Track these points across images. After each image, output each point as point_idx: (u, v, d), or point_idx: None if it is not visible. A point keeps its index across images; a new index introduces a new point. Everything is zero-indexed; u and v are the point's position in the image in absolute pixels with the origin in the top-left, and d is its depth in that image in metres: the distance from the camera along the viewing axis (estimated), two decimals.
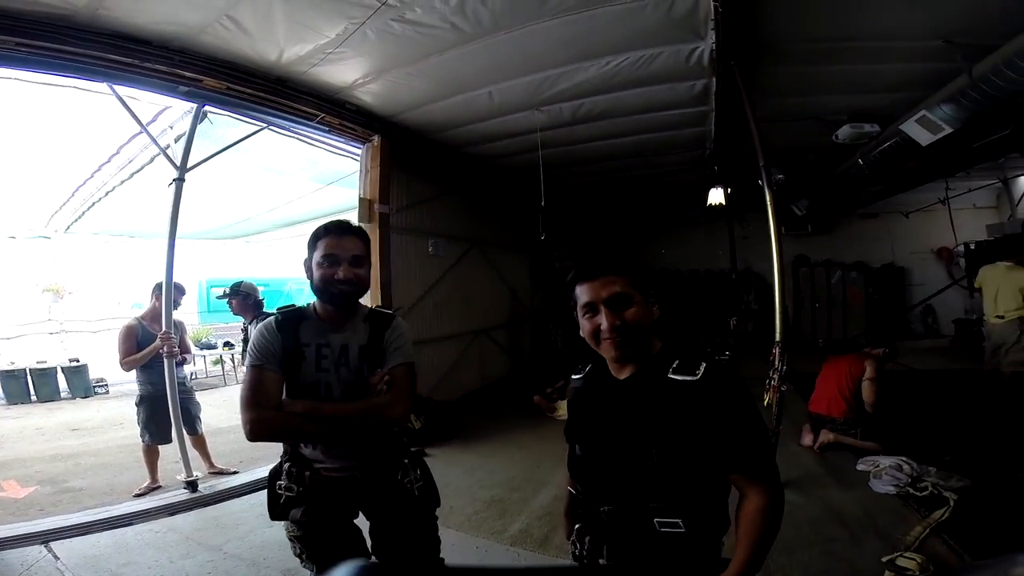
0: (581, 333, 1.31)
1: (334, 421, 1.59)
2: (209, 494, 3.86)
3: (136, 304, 11.01)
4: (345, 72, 3.87)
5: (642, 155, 6.25)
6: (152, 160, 5.52)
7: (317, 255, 1.66)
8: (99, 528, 3.23)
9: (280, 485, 1.68)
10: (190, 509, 3.63)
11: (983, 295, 5.23)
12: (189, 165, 4.00)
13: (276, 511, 1.69)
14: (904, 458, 3.59)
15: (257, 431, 1.57)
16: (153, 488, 4.11)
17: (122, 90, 3.67)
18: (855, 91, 4.50)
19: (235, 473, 4.45)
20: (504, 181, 7.18)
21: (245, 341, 4.31)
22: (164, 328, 4.00)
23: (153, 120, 4.46)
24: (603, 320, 1.24)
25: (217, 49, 3.43)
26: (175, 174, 3.95)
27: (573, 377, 1.47)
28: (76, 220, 9.00)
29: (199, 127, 4.03)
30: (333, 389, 1.66)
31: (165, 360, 3.97)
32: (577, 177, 7.08)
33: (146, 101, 4.09)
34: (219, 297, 4.25)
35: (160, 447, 4.22)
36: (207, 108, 4.02)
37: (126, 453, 5.14)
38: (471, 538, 3.06)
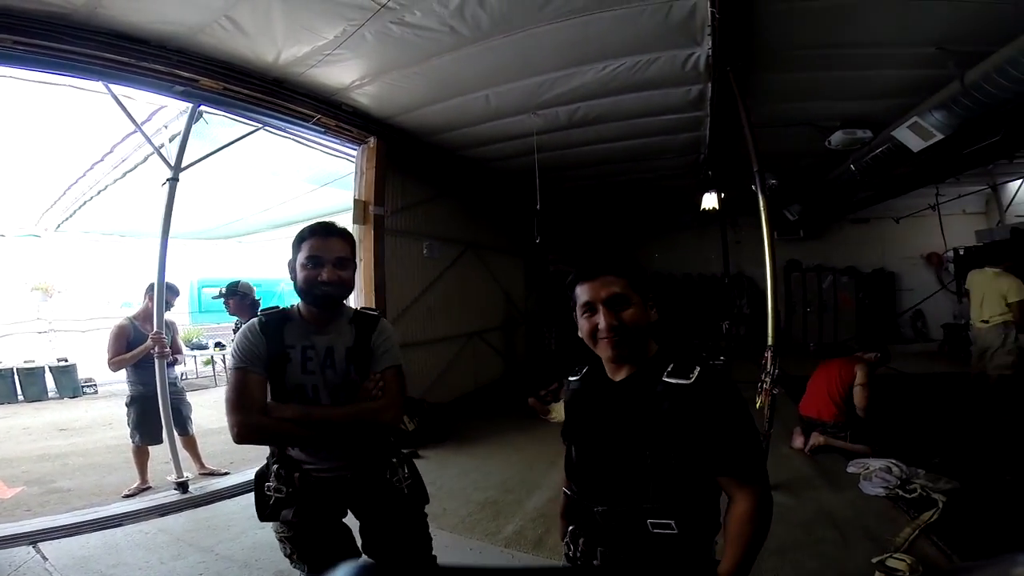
0: (579, 333, 1.33)
1: (326, 426, 1.59)
2: (200, 495, 3.83)
3: (125, 303, 10.91)
4: (342, 74, 3.87)
5: (637, 159, 6.28)
6: (146, 159, 5.48)
7: (301, 256, 1.65)
8: (88, 529, 3.20)
9: (269, 487, 1.66)
10: (181, 510, 3.60)
11: (971, 300, 5.31)
12: (183, 165, 3.98)
13: (265, 512, 1.68)
14: (893, 460, 3.64)
15: (245, 435, 1.56)
16: (143, 489, 4.07)
17: (117, 89, 3.65)
18: (848, 97, 4.54)
19: (226, 474, 4.42)
20: (499, 184, 7.18)
21: None
22: (156, 328, 3.97)
23: (148, 119, 4.44)
24: (601, 320, 1.25)
25: (215, 49, 3.42)
26: (169, 174, 3.92)
27: (570, 379, 1.48)
28: (67, 219, 8.93)
29: (194, 127, 4.01)
30: (320, 391, 1.65)
31: (156, 360, 3.94)
32: (572, 181, 7.10)
33: (141, 100, 4.08)
34: (215, 297, 4.22)
35: (150, 448, 4.17)
36: (203, 108, 4.01)
37: (115, 454, 5.09)
38: (465, 539, 3.07)
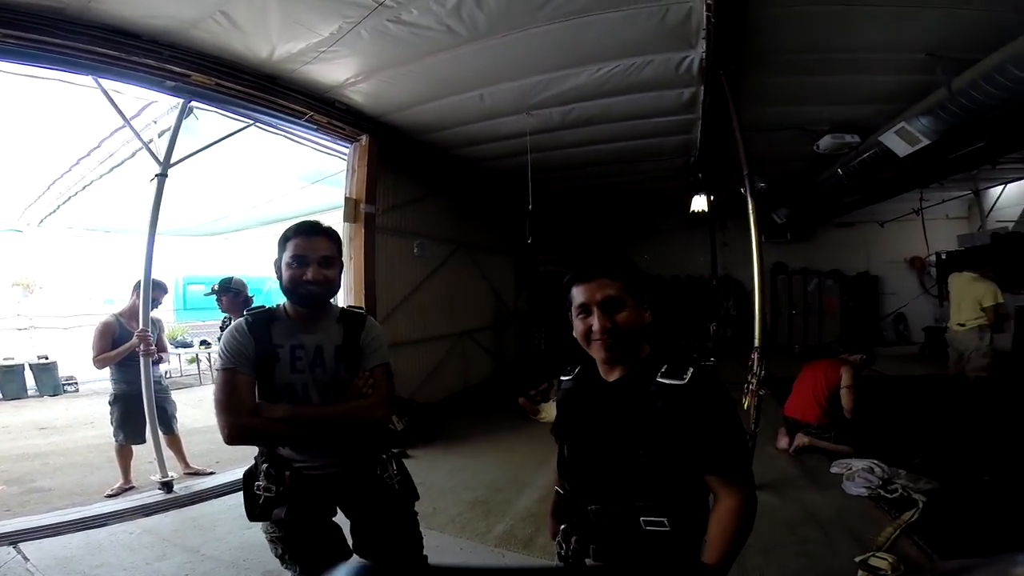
0: (574, 333, 1.34)
1: (316, 425, 1.59)
2: (185, 495, 3.78)
3: (108, 300, 10.74)
4: (336, 71, 3.85)
5: (628, 161, 6.32)
6: (134, 155, 5.40)
7: (286, 256, 1.65)
8: (70, 529, 3.15)
9: (258, 486, 1.65)
10: (166, 510, 3.56)
11: (950, 303, 5.44)
12: (173, 161, 3.93)
13: (255, 512, 1.67)
14: (875, 461, 3.70)
15: (236, 436, 1.55)
16: (126, 489, 4.01)
17: (107, 84, 3.59)
18: (838, 102, 4.61)
19: (211, 474, 4.37)
20: (491, 184, 7.19)
21: None
22: (141, 326, 3.91)
23: (137, 114, 4.37)
24: (595, 322, 1.26)
25: (208, 45, 3.38)
26: (158, 169, 3.87)
27: (563, 378, 1.49)
28: (51, 214, 8.76)
29: (183, 122, 3.96)
30: (309, 390, 1.65)
31: (141, 358, 3.88)
32: (563, 181, 7.13)
33: (131, 95, 4.01)
34: (207, 294, 4.15)
35: (133, 447, 4.11)
36: (193, 104, 3.96)
37: (96, 453, 5.01)
38: (455, 539, 3.07)
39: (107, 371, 4.12)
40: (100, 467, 4.59)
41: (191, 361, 10.43)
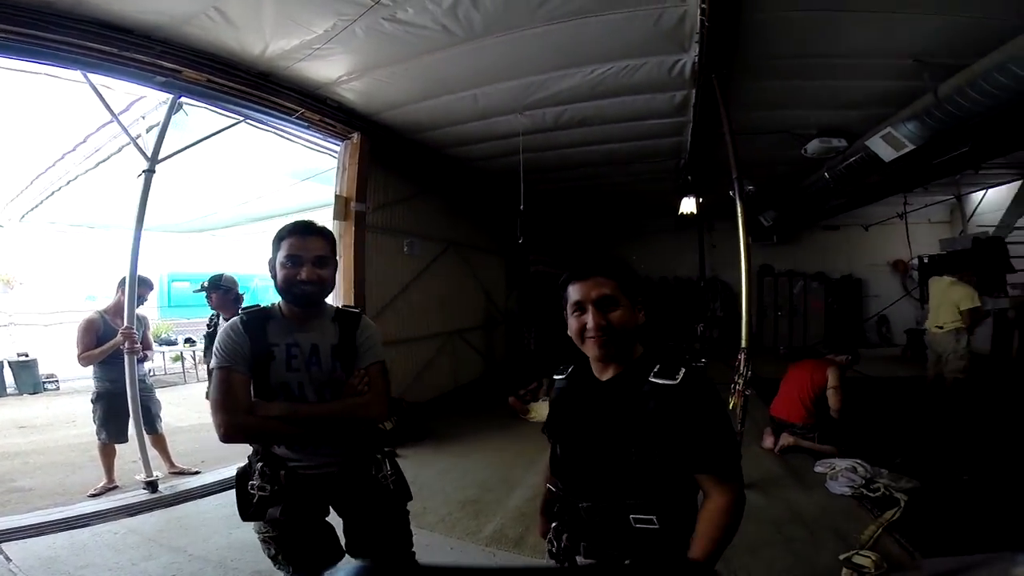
0: (568, 331, 1.35)
1: (313, 422, 1.60)
2: (170, 494, 3.74)
3: (90, 297, 10.56)
4: (329, 68, 3.83)
5: (619, 163, 6.36)
6: (120, 150, 5.32)
7: (281, 255, 1.65)
8: (53, 529, 3.10)
9: (253, 485, 1.65)
10: (151, 510, 3.51)
11: (929, 305, 5.57)
12: (161, 156, 3.88)
13: (248, 512, 1.66)
14: (858, 461, 3.77)
15: (232, 435, 1.55)
16: (109, 488, 3.95)
17: (96, 79, 3.54)
18: (826, 107, 4.67)
19: (197, 473, 4.32)
20: (482, 183, 7.19)
21: (210, 337, 4.19)
22: (126, 323, 3.86)
23: (125, 110, 4.30)
24: (590, 320, 1.28)
25: (200, 40, 3.35)
26: (145, 165, 3.82)
27: (556, 377, 1.51)
28: (33, 209, 8.59)
29: (172, 118, 3.91)
30: (305, 388, 1.65)
31: (126, 356, 3.83)
32: (554, 182, 7.15)
33: (120, 91, 3.95)
34: (197, 291, 4.10)
35: (117, 446, 4.05)
36: (183, 99, 3.91)
37: (78, 452, 4.94)
38: (445, 538, 3.07)
39: (89, 369, 4.05)
40: (82, 466, 4.53)
41: (175, 359, 10.30)
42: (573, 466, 1.37)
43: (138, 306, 3.97)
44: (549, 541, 1.42)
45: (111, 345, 3.89)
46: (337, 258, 1.78)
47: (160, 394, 4.52)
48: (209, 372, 4.41)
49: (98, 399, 4.02)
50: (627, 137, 5.38)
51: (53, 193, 7.44)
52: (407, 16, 3.09)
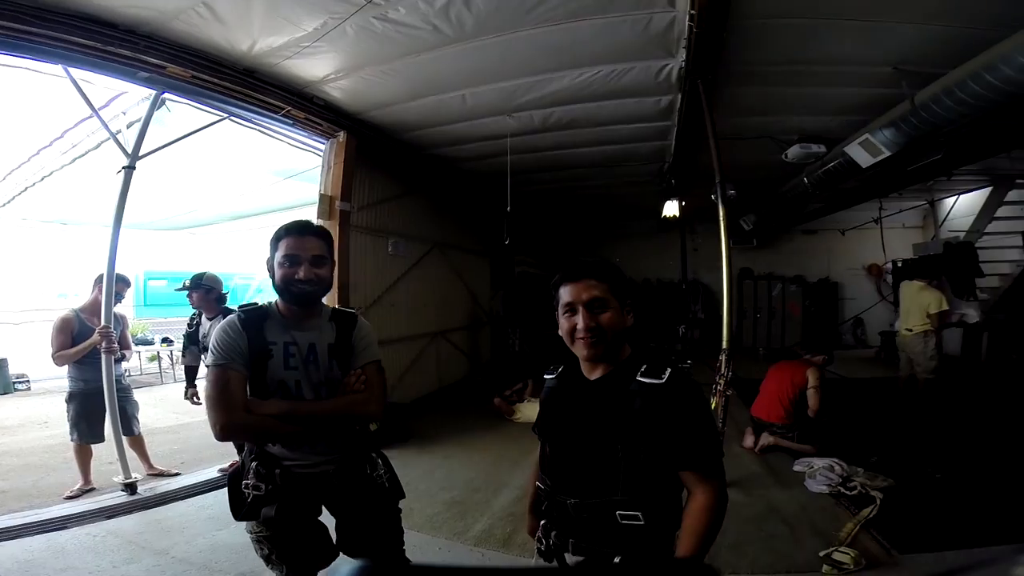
0: (559, 331, 1.38)
1: (311, 421, 1.60)
2: (150, 496, 3.68)
3: (61, 294, 10.29)
4: (317, 67, 3.80)
5: (605, 165, 6.41)
6: (98, 146, 5.21)
7: (278, 255, 1.65)
8: (30, 532, 3.03)
9: (247, 484, 1.64)
10: (130, 512, 3.45)
11: (900, 309, 5.75)
12: (142, 153, 3.81)
13: (242, 511, 1.65)
14: (836, 460, 3.86)
15: (229, 433, 1.55)
16: (86, 490, 3.87)
17: (77, 73, 3.46)
18: (807, 113, 4.77)
19: (177, 475, 4.26)
20: (468, 184, 7.19)
21: (189, 336, 4.13)
22: (104, 322, 3.77)
23: (105, 105, 4.22)
24: (580, 321, 1.31)
25: (187, 36, 3.30)
26: (125, 161, 3.75)
27: (546, 376, 1.53)
28: (4, 205, 8.34)
29: (154, 114, 3.84)
30: (302, 387, 1.65)
31: (103, 356, 3.75)
32: (540, 184, 7.18)
33: (100, 86, 3.86)
34: (179, 289, 4.04)
35: (93, 447, 3.97)
36: (166, 95, 3.84)
37: (52, 453, 4.83)
38: (433, 539, 3.07)
39: (63, 368, 3.96)
40: (56, 468, 4.43)
41: (152, 359, 10.08)
42: (562, 464, 1.39)
43: (115, 304, 3.89)
44: (538, 539, 1.44)
45: (87, 345, 3.81)
46: (334, 258, 1.78)
47: (136, 395, 4.43)
48: (187, 371, 4.35)
49: (71, 399, 3.94)
50: (613, 140, 5.44)
51: (26, 189, 7.25)
52: (398, 16, 3.09)
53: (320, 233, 1.71)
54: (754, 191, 7.73)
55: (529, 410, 5.63)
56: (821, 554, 2.73)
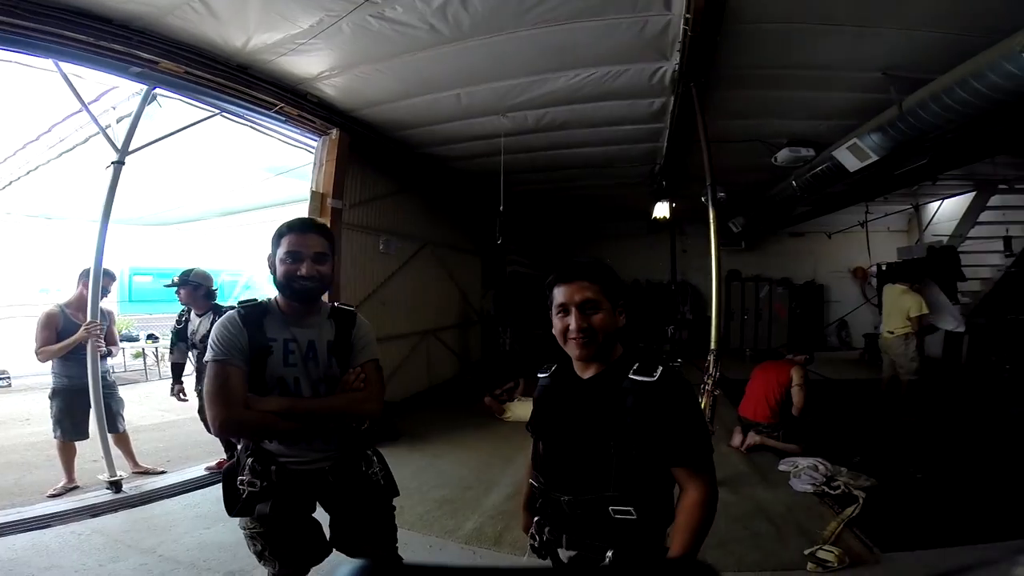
0: (553, 331, 1.40)
1: (311, 418, 1.60)
2: (135, 495, 3.64)
3: (43, 289, 10.10)
4: (312, 64, 3.78)
5: (596, 166, 6.45)
6: (86, 140, 5.14)
7: (281, 251, 1.65)
8: (13, 530, 2.99)
9: (242, 480, 1.63)
10: (115, 510, 3.42)
11: (883, 312, 5.85)
12: (132, 148, 3.77)
13: (236, 508, 1.65)
14: (820, 459, 3.92)
15: (228, 428, 1.55)
16: (70, 488, 3.82)
17: (67, 67, 3.42)
18: (797, 117, 4.83)
19: (162, 473, 4.22)
20: (460, 183, 7.19)
21: (178, 333, 4.09)
22: (90, 317, 3.72)
23: (95, 100, 4.16)
24: (572, 321, 1.33)
25: (181, 32, 3.27)
26: (115, 156, 3.71)
27: (540, 375, 1.55)
28: None
29: (145, 109, 3.80)
30: (301, 384, 1.66)
31: (89, 352, 3.70)
32: (532, 184, 7.20)
33: (91, 80, 3.81)
34: (168, 285, 4.00)
35: (77, 445, 3.92)
36: (158, 91, 3.81)
37: (34, 451, 4.76)
38: (424, 537, 3.07)
39: (46, 365, 3.90)
40: (38, 466, 4.37)
41: (136, 356, 9.95)
42: (555, 461, 1.42)
43: (101, 298, 3.84)
44: (532, 535, 1.46)
45: (73, 341, 3.76)
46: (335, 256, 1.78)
47: (121, 392, 4.38)
48: (174, 368, 4.31)
49: (55, 395, 3.89)
50: (605, 141, 5.47)
51: (11, 183, 7.13)
52: (395, 14, 3.08)
53: (322, 230, 1.72)
54: (743, 194, 7.81)
55: (519, 409, 5.65)
56: (806, 552, 2.77)
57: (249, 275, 12.77)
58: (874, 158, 4.40)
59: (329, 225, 4.82)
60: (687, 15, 2.93)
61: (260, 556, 1.70)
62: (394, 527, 1.87)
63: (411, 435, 5.11)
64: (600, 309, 1.33)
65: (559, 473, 1.39)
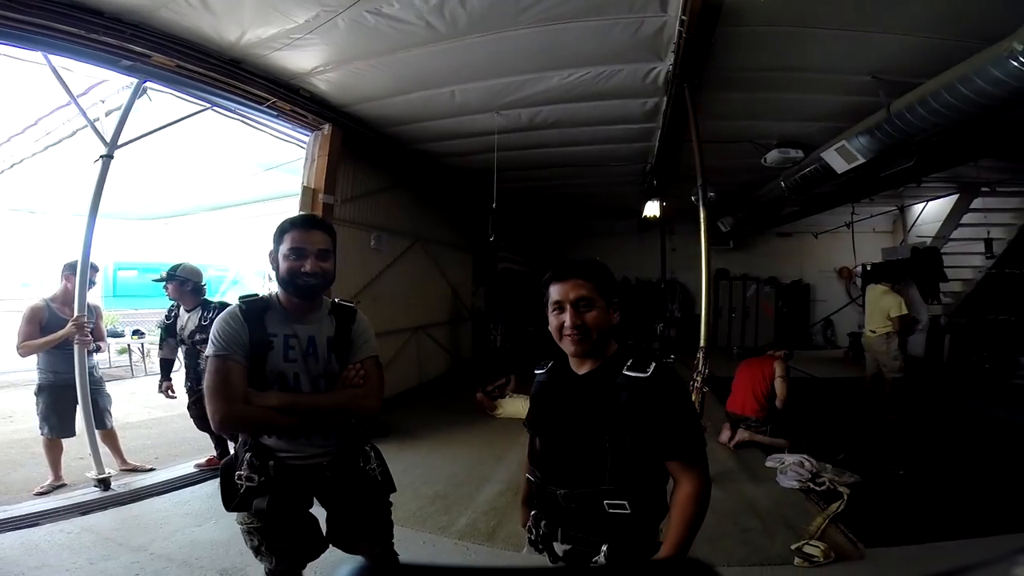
0: (549, 327, 1.43)
1: (311, 414, 1.61)
2: (125, 492, 3.61)
3: (24, 284, 9.92)
4: (306, 59, 3.75)
5: (589, 165, 6.47)
6: (73, 134, 5.05)
7: (284, 248, 1.65)
8: (1, 529, 2.94)
9: (240, 475, 1.64)
10: (104, 508, 3.38)
11: (865, 312, 5.96)
12: (121, 142, 3.71)
13: (233, 503, 1.65)
14: (805, 456, 3.99)
15: (228, 423, 1.54)
16: (57, 486, 3.76)
17: (56, 60, 3.36)
18: (787, 119, 4.90)
19: (151, 470, 4.17)
20: (453, 180, 7.18)
21: (166, 328, 4.06)
22: (77, 311, 3.67)
23: (84, 93, 4.08)
24: (567, 319, 1.36)
25: (174, 25, 3.23)
26: (103, 150, 3.65)
27: (536, 372, 1.58)
28: None
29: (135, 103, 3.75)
30: (301, 379, 1.66)
31: (76, 348, 3.65)
32: (524, 181, 7.21)
33: (80, 73, 3.74)
34: (156, 280, 3.96)
35: (63, 442, 3.87)
36: (148, 84, 3.75)
37: (18, 448, 4.67)
38: (417, 533, 3.08)
39: (31, 361, 3.85)
40: (23, 464, 4.30)
41: (121, 352, 9.80)
42: (551, 456, 1.44)
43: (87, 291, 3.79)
44: (529, 529, 1.49)
45: (59, 336, 3.70)
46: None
47: (107, 388, 4.33)
48: (162, 364, 4.26)
49: (41, 391, 3.83)
50: (598, 140, 5.50)
51: None
52: (392, 11, 3.08)
53: (325, 227, 1.72)
54: (732, 194, 7.89)
55: (511, 406, 5.67)
56: (793, 547, 2.83)
57: (237, 270, 12.68)
58: (861, 160, 4.47)
59: None
60: (683, 17, 2.96)
61: (257, 551, 1.70)
62: (390, 523, 1.88)
63: (402, 431, 5.10)
64: (594, 307, 1.36)
65: (555, 467, 1.42)
